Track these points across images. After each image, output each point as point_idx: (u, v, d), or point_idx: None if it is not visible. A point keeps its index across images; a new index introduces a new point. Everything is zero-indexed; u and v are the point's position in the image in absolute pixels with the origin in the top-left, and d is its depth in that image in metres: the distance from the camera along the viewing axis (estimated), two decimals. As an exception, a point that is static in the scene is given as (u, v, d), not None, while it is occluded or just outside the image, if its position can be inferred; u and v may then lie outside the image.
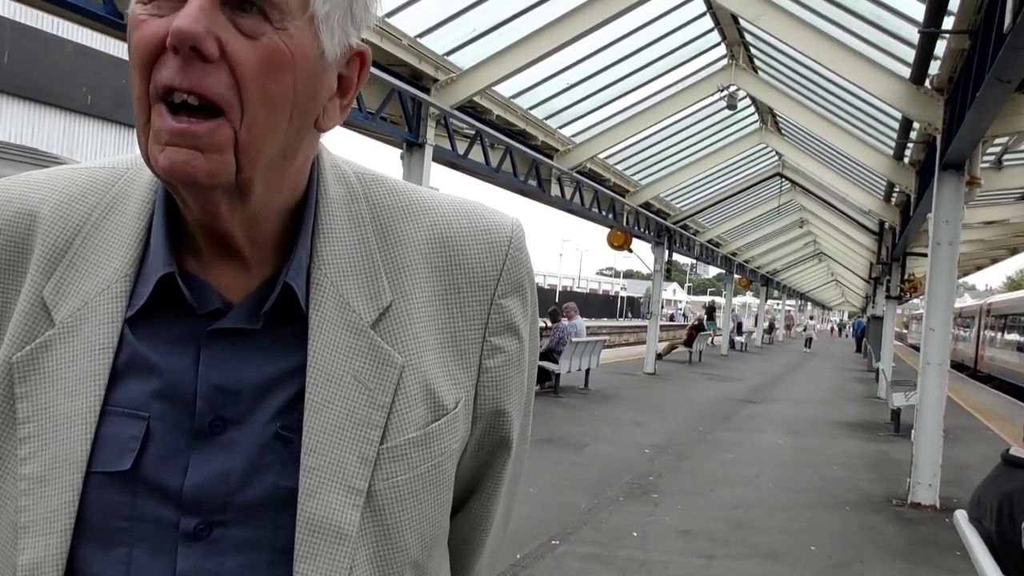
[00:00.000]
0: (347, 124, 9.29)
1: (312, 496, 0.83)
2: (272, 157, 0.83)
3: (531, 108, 12.68)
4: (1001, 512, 3.04)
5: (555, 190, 14.45)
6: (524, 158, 12.90)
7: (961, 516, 3.33)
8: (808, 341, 45.47)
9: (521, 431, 1.04)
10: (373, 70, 8.60)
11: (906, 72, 9.07)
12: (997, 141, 10.75)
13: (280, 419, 0.85)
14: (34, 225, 0.89)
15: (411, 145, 9.59)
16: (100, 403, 0.83)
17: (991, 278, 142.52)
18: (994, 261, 28.98)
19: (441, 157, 10.68)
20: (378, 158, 9.86)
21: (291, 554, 0.83)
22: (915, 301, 47.54)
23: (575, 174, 14.51)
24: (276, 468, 0.84)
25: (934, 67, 8.52)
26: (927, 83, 8.76)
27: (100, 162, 0.95)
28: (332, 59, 0.85)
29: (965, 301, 44.39)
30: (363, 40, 0.89)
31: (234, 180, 0.80)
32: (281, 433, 0.84)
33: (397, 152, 9.83)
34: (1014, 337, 26.70)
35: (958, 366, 29.11)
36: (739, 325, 38.04)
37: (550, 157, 13.70)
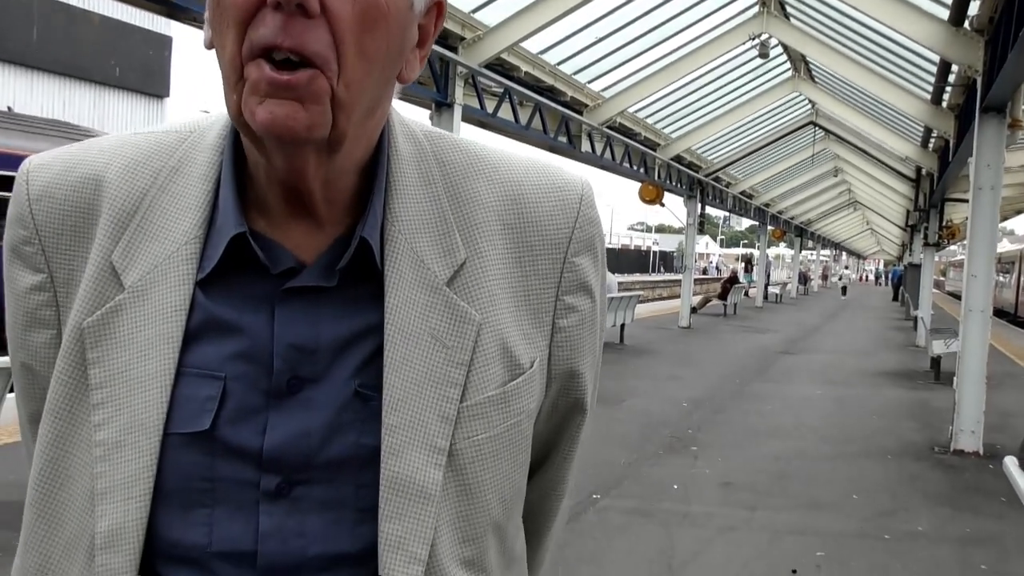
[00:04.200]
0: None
1: (395, 454, 0.83)
2: (363, 112, 0.83)
3: (559, 63, 12.57)
4: (1052, 457, 3.01)
5: (585, 146, 14.33)
6: (554, 115, 12.80)
7: (1011, 462, 3.30)
8: (844, 289, 47.20)
9: (592, 394, 1.03)
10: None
11: (944, 14, 8.87)
12: (1038, 81, 10.49)
13: (358, 377, 0.85)
14: (100, 190, 0.89)
15: (440, 105, 9.55)
16: (175, 365, 0.83)
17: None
18: (1034, 205, 28.44)
19: (470, 116, 10.63)
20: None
21: (374, 513, 0.83)
22: (952, 248, 46.92)
23: (605, 129, 14.39)
24: (357, 426, 0.84)
25: (973, 7, 8.32)
26: (967, 24, 8.55)
27: (163, 127, 0.95)
28: (418, 11, 0.85)
29: (1005, 246, 43.69)
30: None
31: (327, 135, 0.80)
32: (360, 391, 0.84)
33: (426, 113, 9.79)
34: (1056, 281, 26.27)
35: (998, 312, 28.71)
36: (805, 276, 38.02)
37: (580, 113, 13.59)
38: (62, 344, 0.87)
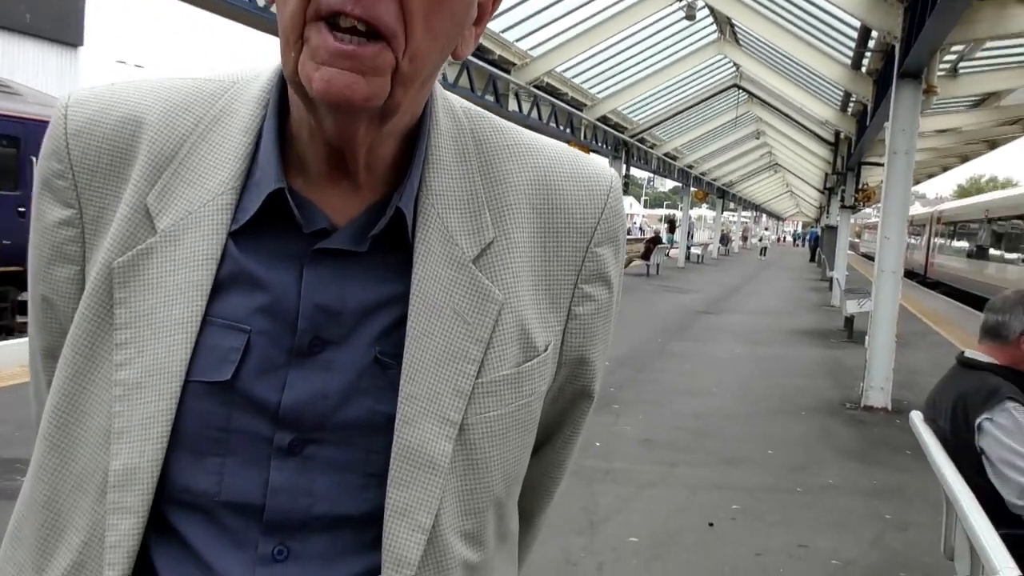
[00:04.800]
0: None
1: (409, 424, 0.84)
2: (419, 85, 0.83)
3: (487, 20, 12.43)
4: (956, 412, 3.14)
5: (512, 105, 14.28)
6: (481, 73, 12.71)
7: (917, 417, 3.43)
8: (763, 250, 48.89)
9: (599, 381, 1.05)
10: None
11: (865, -21, 9.02)
12: (953, 49, 10.79)
13: (379, 344, 0.85)
14: (139, 131, 0.88)
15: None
16: (201, 313, 0.83)
17: (941, 187, 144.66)
18: (945, 169, 29.41)
19: (397, 72, 10.48)
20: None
21: (382, 479, 0.84)
22: (867, 211, 48.25)
23: (533, 88, 14.34)
24: (373, 393, 0.85)
25: (893, -26, 8.49)
26: (886, -10, 8.72)
27: (206, 74, 0.94)
28: None
29: (916, 209, 45.09)
30: None
31: (382, 105, 0.80)
32: (380, 358, 0.85)
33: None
34: (963, 244, 27.26)
35: (908, 273, 29.70)
36: (726, 237, 38.85)
37: (507, 72, 13.52)
38: (89, 282, 0.86)
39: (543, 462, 1.05)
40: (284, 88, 0.88)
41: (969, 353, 3.31)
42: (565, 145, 0.99)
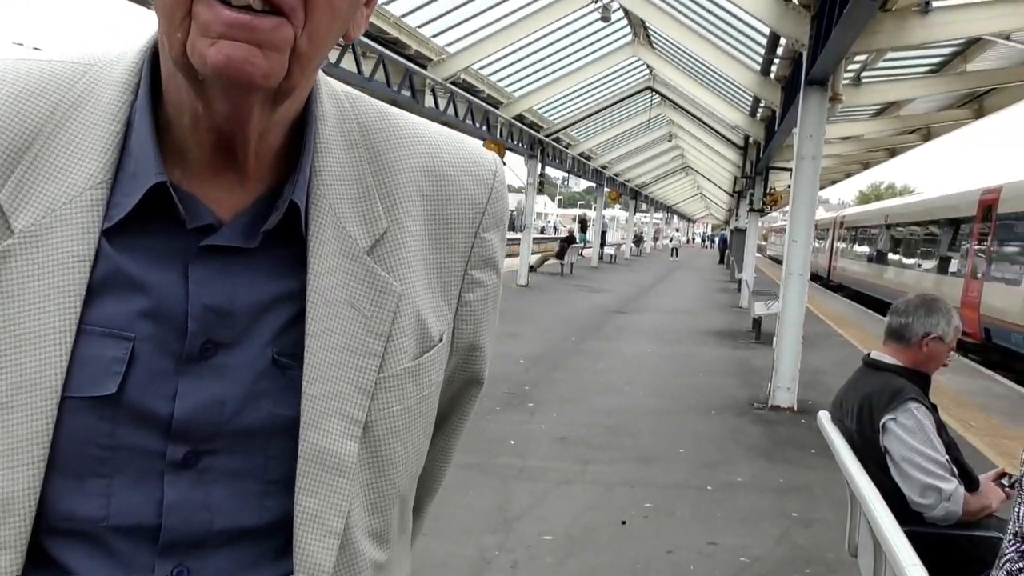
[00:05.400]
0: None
1: (314, 426, 0.80)
2: (315, 66, 0.79)
3: (404, 15, 12.35)
4: (862, 412, 3.23)
5: (428, 101, 14.19)
6: (397, 68, 12.59)
7: (824, 416, 3.52)
8: (675, 251, 51.03)
9: (488, 367, 1.04)
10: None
11: (776, -12, 9.23)
12: (857, 58, 11.15)
13: (276, 344, 0.81)
14: None
15: (280, 51, 9.20)
16: (76, 321, 0.76)
17: (844, 193, 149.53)
18: (848, 175, 30.39)
19: (311, 65, 10.32)
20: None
21: (283, 484, 0.80)
22: (774, 214, 49.54)
23: (449, 85, 14.29)
24: (272, 396, 0.80)
25: (802, -17, 8.71)
26: (795, -1, 8.95)
27: (54, 55, 0.85)
28: None
29: (820, 214, 46.51)
30: None
31: (278, 85, 0.75)
32: (278, 359, 0.80)
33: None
34: (864, 249, 28.22)
35: (812, 276, 30.54)
36: (639, 238, 39.76)
37: (424, 67, 13.43)
38: None
39: (433, 451, 1.02)
40: (155, 72, 0.81)
41: (874, 354, 3.41)
42: (446, 128, 0.97)
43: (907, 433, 3.06)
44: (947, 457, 3.08)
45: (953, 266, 17.82)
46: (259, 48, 0.71)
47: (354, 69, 11.31)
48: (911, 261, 21.88)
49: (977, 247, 16.20)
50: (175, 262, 0.79)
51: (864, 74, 13.00)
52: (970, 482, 3.14)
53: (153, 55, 0.82)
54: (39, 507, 0.75)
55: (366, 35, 11.29)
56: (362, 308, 0.83)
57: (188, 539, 0.78)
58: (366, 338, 0.83)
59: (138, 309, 0.77)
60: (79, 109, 0.81)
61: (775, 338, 8.88)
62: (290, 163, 0.83)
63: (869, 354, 3.45)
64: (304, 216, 0.82)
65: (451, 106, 15.25)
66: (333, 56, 10.67)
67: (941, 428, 3.15)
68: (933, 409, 3.18)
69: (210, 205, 0.80)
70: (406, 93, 13.14)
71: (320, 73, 0.87)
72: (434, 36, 13.45)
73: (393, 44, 12.34)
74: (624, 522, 4.99)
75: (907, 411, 3.09)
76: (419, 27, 12.90)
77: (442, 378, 0.92)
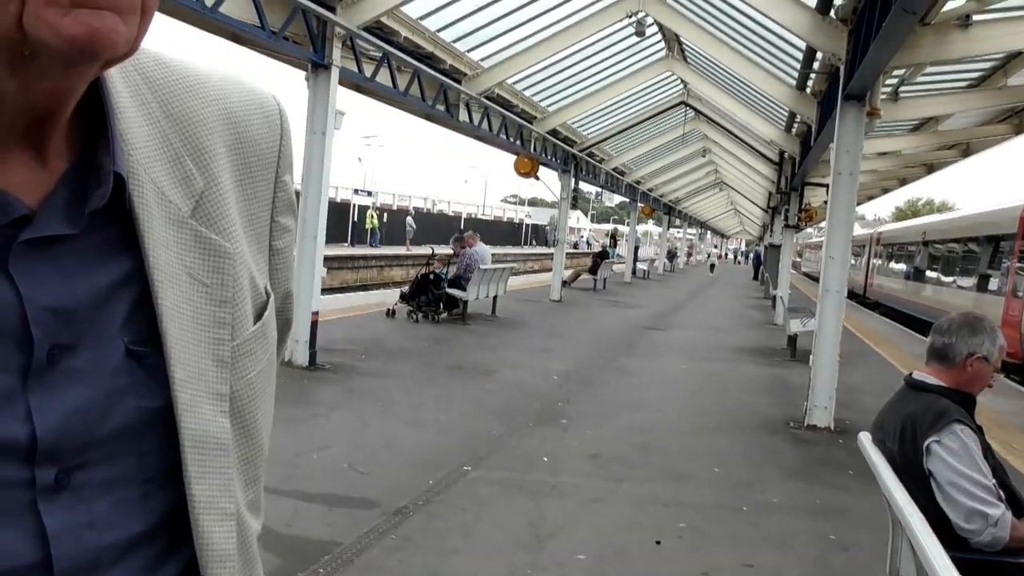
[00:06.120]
0: (249, 43, 8.94)
1: (189, 410, 0.75)
2: None
3: (439, 30, 12.39)
4: (904, 433, 3.16)
5: (463, 115, 14.24)
6: (432, 82, 12.65)
7: (865, 437, 3.44)
8: (712, 267, 51.80)
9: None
10: (276, -14, 8.24)
11: (812, 2, 9.17)
12: (895, 73, 11.02)
13: (125, 334, 0.73)
14: None
15: (316, 67, 9.26)
16: None
17: (879, 208, 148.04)
18: (884, 191, 30.02)
19: (348, 80, 10.39)
20: (282, 80, 9.51)
21: (160, 481, 0.75)
22: (809, 230, 49.11)
23: (483, 99, 14.32)
24: (134, 389, 0.73)
25: (839, -2, 8.63)
26: (832, 13, 8.87)
27: None
28: None
29: (856, 230, 46.06)
30: None
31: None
32: (132, 349, 0.73)
33: (302, 74, 9.49)
34: (901, 266, 27.85)
35: (848, 293, 30.24)
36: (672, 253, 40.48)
37: (458, 82, 13.47)
38: None
39: None
40: None
41: (917, 375, 3.33)
42: (224, 70, 0.89)
43: (952, 456, 2.98)
44: (994, 481, 3.00)
45: (993, 284, 17.52)
46: (119, 15, 0.64)
47: (389, 83, 11.36)
48: (950, 279, 21.55)
49: (1018, 264, 15.92)
50: None
51: (902, 89, 12.85)
52: (1018, 507, 3.05)
53: None
54: None
55: (402, 49, 11.36)
56: (201, 277, 0.78)
57: (82, 565, 0.71)
58: (212, 307, 0.78)
59: None
60: None
61: (811, 356, 8.76)
62: (84, 129, 0.73)
63: (911, 374, 3.37)
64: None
65: (485, 120, 15.29)
66: (369, 70, 10.73)
67: (987, 451, 3.07)
68: (979, 431, 3.10)
69: (15, 192, 0.68)
70: (441, 108, 13.20)
71: None
72: (469, 51, 13.49)
73: (428, 59, 12.39)
74: (659, 542, 4.92)
75: (952, 433, 3.01)
76: (454, 42, 12.94)
77: (276, 333, 0.89)
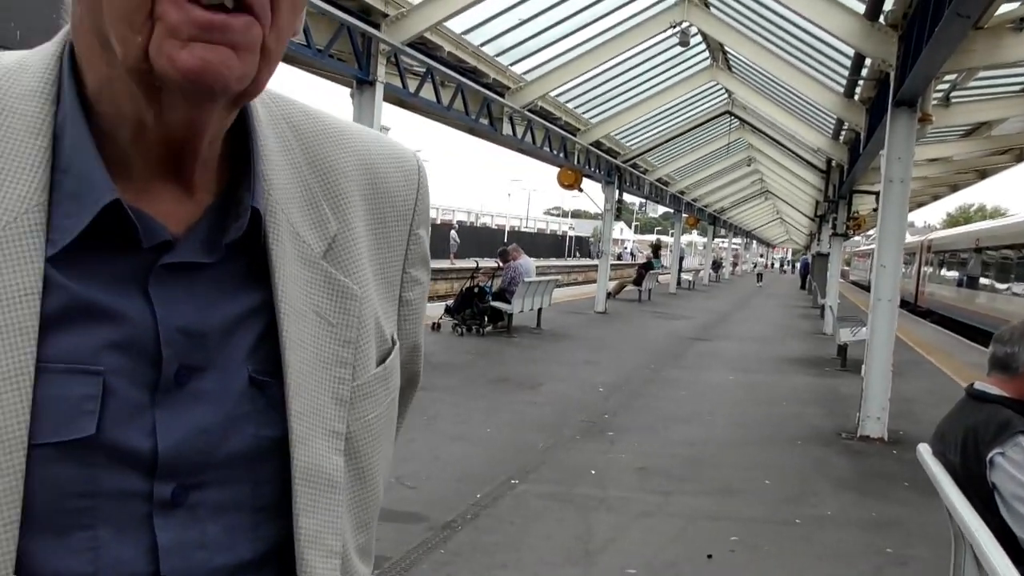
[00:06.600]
0: (295, 61, 9.03)
1: (303, 443, 0.77)
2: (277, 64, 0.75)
3: (482, 45, 12.45)
4: (966, 445, 3.07)
5: (506, 129, 14.27)
6: (475, 96, 12.69)
7: (924, 449, 3.36)
8: (759, 276, 52.00)
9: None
10: (321, 3, 8.33)
11: (861, 8, 9.05)
12: (946, 78, 10.83)
13: (250, 363, 0.76)
14: None
15: (361, 83, 9.35)
16: (33, 360, 0.67)
17: (929, 215, 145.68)
18: (935, 198, 29.52)
19: (392, 95, 10.46)
20: (327, 96, 9.62)
21: (273, 511, 0.76)
22: (856, 239, 48.45)
23: (526, 112, 14.34)
24: (254, 417, 0.76)
25: (888, 3, 8.51)
26: (881, 19, 8.74)
27: None
28: None
29: (906, 238, 45.32)
30: None
31: (246, 88, 0.71)
32: (255, 377, 0.76)
33: (346, 91, 9.58)
34: (953, 273, 27.31)
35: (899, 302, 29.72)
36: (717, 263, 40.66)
37: (501, 95, 13.52)
38: None
39: None
40: (77, 80, 0.73)
41: (979, 385, 3.23)
42: (366, 127, 0.94)
43: (1017, 469, 2.89)
44: (1060, 495, 2.90)
45: (1050, 291, 17.09)
46: (234, 50, 0.67)
47: (433, 98, 11.43)
48: (1004, 286, 21.08)
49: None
50: (133, 285, 0.72)
51: (954, 94, 12.62)
52: (1086, 521, 2.94)
53: (71, 62, 0.75)
54: (18, 572, 0.67)
55: (445, 64, 11.42)
56: (327, 316, 0.80)
57: None
58: (336, 346, 0.80)
59: (104, 340, 0.70)
60: None
61: (863, 366, 8.60)
62: (232, 169, 0.79)
63: (972, 384, 3.28)
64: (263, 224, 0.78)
65: (528, 133, 15.31)
66: (413, 85, 10.80)
67: (1053, 464, 2.97)
68: (1044, 443, 3.00)
69: (161, 220, 0.74)
70: (484, 121, 13.24)
71: None
72: (511, 64, 13.53)
73: (472, 73, 12.44)
74: (710, 556, 4.84)
75: (1017, 445, 2.92)
76: (497, 56, 12.99)
77: (399, 380, 0.90)
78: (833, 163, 20.64)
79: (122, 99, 0.71)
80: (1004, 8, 7.87)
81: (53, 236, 0.70)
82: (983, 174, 21.34)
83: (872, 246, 10.80)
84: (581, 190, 19.19)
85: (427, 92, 11.21)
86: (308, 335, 0.78)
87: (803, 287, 41.98)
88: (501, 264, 15.53)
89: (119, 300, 0.72)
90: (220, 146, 0.78)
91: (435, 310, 15.46)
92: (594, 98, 17.15)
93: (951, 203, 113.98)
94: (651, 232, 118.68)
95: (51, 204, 0.71)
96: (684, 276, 35.40)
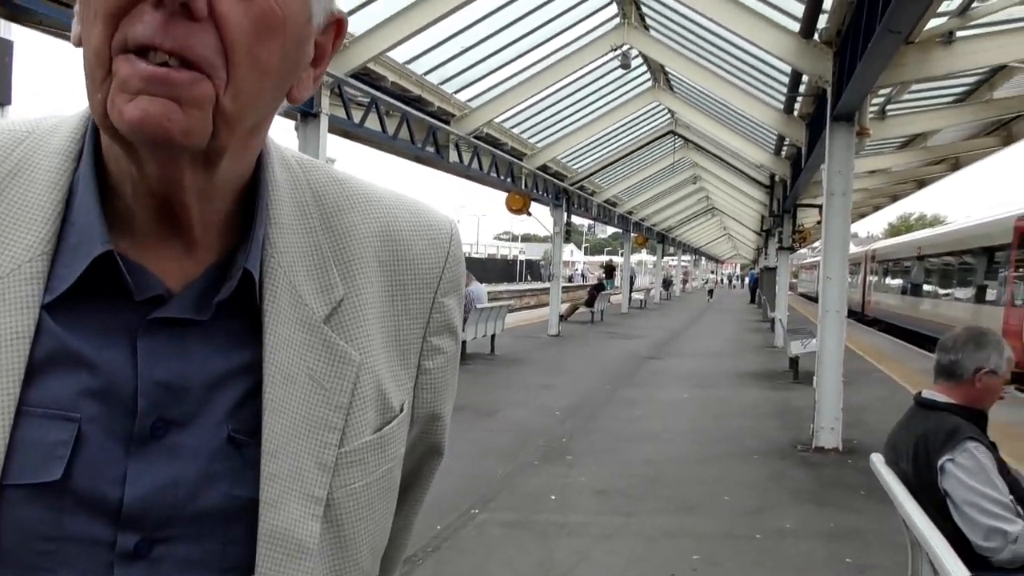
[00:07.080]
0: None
1: (273, 506, 0.75)
2: (247, 127, 0.74)
3: (426, 73, 12.48)
4: (917, 453, 3.11)
5: (453, 156, 14.29)
6: (421, 125, 12.70)
7: (877, 459, 3.40)
8: (711, 292, 52.95)
9: (448, 436, 1.00)
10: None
11: (795, 26, 9.24)
12: (881, 91, 11.08)
13: (231, 421, 0.76)
14: None
15: (305, 115, 9.29)
16: (15, 402, 0.70)
17: (872, 225, 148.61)
18: (876, 209, 30.15)
19: (336, 127, 10.41)
20: (272, 130, 9.53)
21: (241, 572, 0.75)
22: (803, 251, 49.26)
23: (472, 139, 14.38)
24: (229, 476, 0.75)
25: (822, 20, 8.70)
26: (816, 36, 8.93)
27: None
28: (317, 26, 0.78)
29: (849, 249, 46.13)
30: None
31: (205, 145, 0.71)
32: (234, 436, 0.76)
33: (291, 124, 9.52)
34: (897, 282, 27.86)
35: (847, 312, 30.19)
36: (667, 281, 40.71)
37: (447, 123, 13.54)
38: None
39: (392, 525, 0.97)
40: (98, 139, 0.78)
41: (926, 393, 3.29)
42: (402, 193, 0.94)
43: (966, 474, 2.94)
44: (1011, 497, 2.95)
45: (991, 294, 17.51)
46: (177, 104, 0.68)
47: (378, 128, 11.41)
48: (947, 292, 21.55)
49: (1015, 273, 15.93)
50: (122, 336, 0.74)
51: (889, 107, 12.92)
52: (1037, 523, 3.00)
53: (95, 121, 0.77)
54: None
55: (389, 93, 11.42)
56: (321, 380, 0.79)
57: None
58: (325, 410, 0.79)
59: (83, 388, 0.72)
60: (15, 179, 0.77)
61: (815, 377, 8.71)
62: (241, 231, 0.80)
63: (920, 393, 3.34)
64: (259, 286, 0.78)
65: (475, 160, 15.34)
66: (357, 116, 10.78)
67: (1002, 467, 3.02)
68: (992, 447, 3.05)
69: (159, 275, 0.76)
70: (430, 149, 13.24)
71: (271, 139, 0.84)
72: (456, 92, 13.57)
73: (416, 102, 12.46)
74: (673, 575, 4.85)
75: (965, 451, 2.97)
76: (441, 84, 13.03)
77: (404, 450, 0.88)
78: (776, 178, 20.99)
79: (118, 156, 0.74)
80: (933, 23, 8.09)
81: (52, 284, 0.73)
82: (921, 184, 21.85)
83: (818, 258, 11.04)
84: (530, 214, 19.25)
85: (372, 122, 11.19)
86: (296, 398, 0.78)
87: (752, 301, 42.52)
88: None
89: (104, 350, 0.73)
90: (229, 208, 0.79)
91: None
92: (539, 122, 17.27)
93: (892, 213, 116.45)
94: (601, 253, 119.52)
95: (56, 254, 0.74)
96: (635, 295, 35.64)
